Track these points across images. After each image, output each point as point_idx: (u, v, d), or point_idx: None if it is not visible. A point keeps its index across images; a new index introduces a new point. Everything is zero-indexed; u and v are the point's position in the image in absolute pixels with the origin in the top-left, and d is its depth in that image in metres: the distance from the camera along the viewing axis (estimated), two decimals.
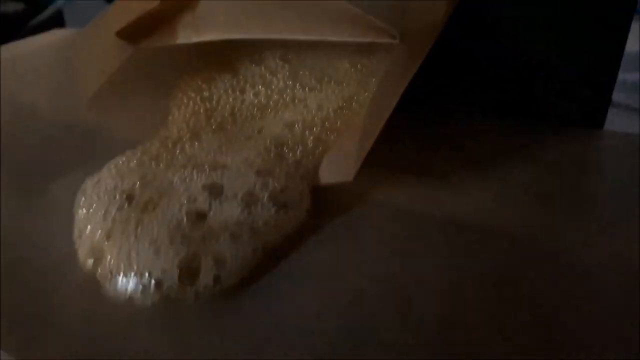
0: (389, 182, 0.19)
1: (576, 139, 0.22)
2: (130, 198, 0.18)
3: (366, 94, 0.19)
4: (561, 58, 0.21)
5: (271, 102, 0.20)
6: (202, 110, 0.21)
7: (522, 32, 0.21)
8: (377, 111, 0.17)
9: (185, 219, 0.17)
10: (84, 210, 0.18)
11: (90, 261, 0.17)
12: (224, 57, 0.21)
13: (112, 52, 0.20)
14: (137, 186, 0.18)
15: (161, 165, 0.19)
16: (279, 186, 0.18)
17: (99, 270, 0.16)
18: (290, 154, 0.18)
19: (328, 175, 0.18)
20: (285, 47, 0.20)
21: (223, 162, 0.18)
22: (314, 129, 0.19)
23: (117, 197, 0.17)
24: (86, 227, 0.17)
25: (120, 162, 0.19)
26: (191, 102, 0.21)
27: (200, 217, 0.17)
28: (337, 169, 0.18)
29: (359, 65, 0.20)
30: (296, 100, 0.20)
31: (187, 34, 0.18)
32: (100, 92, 0.20)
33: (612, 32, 0.20)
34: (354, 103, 0.19)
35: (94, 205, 0.18)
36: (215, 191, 0.18)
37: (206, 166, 0.18)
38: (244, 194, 0.17)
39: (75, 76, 0.21)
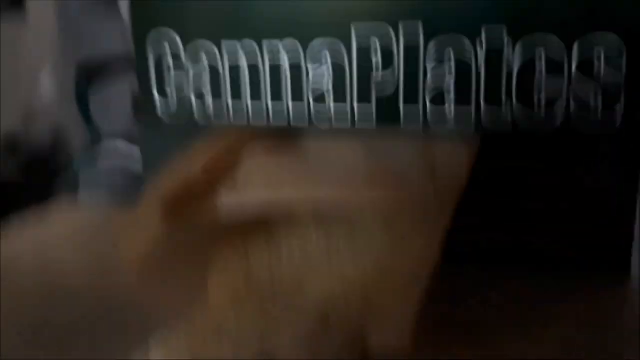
0: None
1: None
2: None
3: (400, 261, 0.19)
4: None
5: (308, 275, 0.20)
6: (241, 281, 0.21)
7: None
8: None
9: None
10: None
11: None
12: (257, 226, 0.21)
13: (156, 224, 0.20)
14: None
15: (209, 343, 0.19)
16: None
17: None
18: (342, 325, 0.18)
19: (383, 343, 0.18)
20: (317, 215, 0.20)
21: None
22: (354, 298, 0.19)
23: None
24: None
25: (167, 337, 0.19)
26: (231, 273, 0.21)
27: None
28: (392, 336, 0.18)
29: (390, 232, 0.19)
30: (332, 268, 0.20)
31: (229, 200, 0.19)
32: (141, 266, 0.21)
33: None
34: (389, 268, 0.19)
35: None
36: None
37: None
38: None
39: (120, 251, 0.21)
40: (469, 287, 0.22)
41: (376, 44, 0.23)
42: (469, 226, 0.22)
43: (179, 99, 0.28)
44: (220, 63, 0.26)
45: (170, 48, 0.27)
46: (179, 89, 0.28)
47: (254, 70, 0.26)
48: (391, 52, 0.23)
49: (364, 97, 0.24)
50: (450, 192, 0.19)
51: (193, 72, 0.27)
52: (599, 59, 0.20)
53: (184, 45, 0.27)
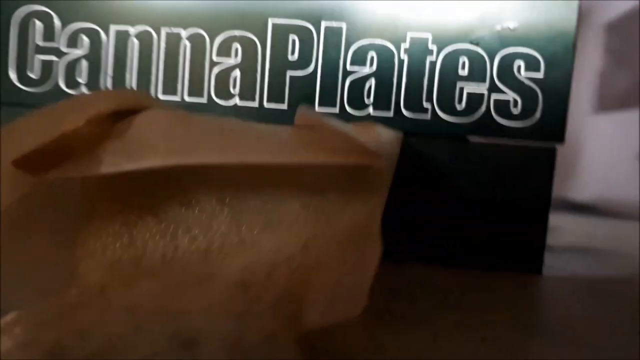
0: None
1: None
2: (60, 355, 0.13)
3: (328, 233, 0.17)
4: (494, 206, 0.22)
5: (214, 248, 0.17)
6: (125, 257, 0.17)
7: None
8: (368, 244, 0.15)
9: None
10: None
11: None
12: (145, 200, 0.19)
13: (7, 184, 0.16)
14: (66, 341, 0.14)
15: (92, 315, 0.15)
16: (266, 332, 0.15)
17: None
18: (265, 295, 0.16)
19: (323, 315, 0.15)
20: (222, 191, 0.18)
21: (180, 309, 0.15)
22: (279, 270, 0.16)
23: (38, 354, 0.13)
24: None
25: (32, 314, 0.15)
26: (109, 250, 0.18)
27: None
28: (333, 307, 0.15)
29: (311, 207, 0.18)
30: (246, 244, 0.17)
31: (116, 161, 0.15)
32: None
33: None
34: (317, 242, 0.17)
35: None
36: (187, 344, 0.14)
37: (160, 316, 0.14)
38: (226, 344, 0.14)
39: None
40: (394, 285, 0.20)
41: (295, 43, 0.22)
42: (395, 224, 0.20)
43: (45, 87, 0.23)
44: (104, 49, 0.23)
45: (45, 29, 0.23)
46: (46, 76, 0.23)
47: (145, 59, 0.23)
48: (310, 52, 0.22)
49: (277, 97, 0.22)
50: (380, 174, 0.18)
51: (69, 57, 0.23)
52: (518, 70, 0.21)
53: (62, 25, 0.23)
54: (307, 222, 0.18)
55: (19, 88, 0.23)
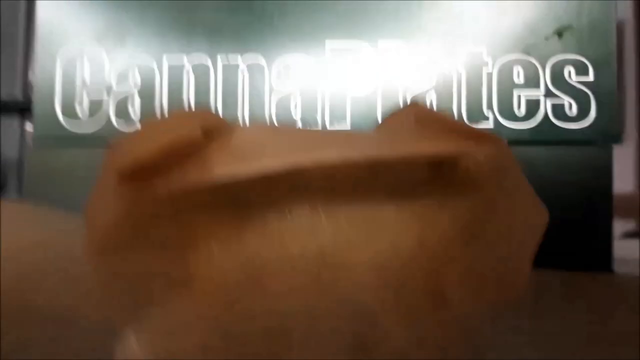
0: None
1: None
2: None
3: (438, 229, 0.17)
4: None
5: (327, 252, 0.17)
6: (237, 264, 0.17)
7: None
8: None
9: None
10: None
11: None
12: (245, 211, 0.19)
13: (116, 198, 0.16)
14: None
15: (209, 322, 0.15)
16: None
17: None
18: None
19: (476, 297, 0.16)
20: (313, 199, 0.18)
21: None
22: (409, 266, 0.17)
23: None
24: None
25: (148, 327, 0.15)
26: (220, 257, 0.18)
27: None
28: (484, 289, 0.16)
29: (406, 210, 0.18)
30: (359, 247, 0.17)
31: (228, 168, 0.15)
32: (103, 249, 0.16)
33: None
34: (430, 237, 0.17)
35: None
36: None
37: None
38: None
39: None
40: None
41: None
42: None
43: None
44: (158, 80, 0.22)
45: (91, 65, 0.22)
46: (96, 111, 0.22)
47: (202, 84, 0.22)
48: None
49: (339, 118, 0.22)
50: None
51: (119, 94, 0.22)
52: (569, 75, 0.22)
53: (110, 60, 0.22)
54: (412, 222, 0.18)
55: (65, 126, 0.22)
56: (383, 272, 0.16)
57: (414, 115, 0.17)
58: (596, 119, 0.22)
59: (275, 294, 0.16)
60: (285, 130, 0.17)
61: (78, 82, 0.22)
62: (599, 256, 0.22)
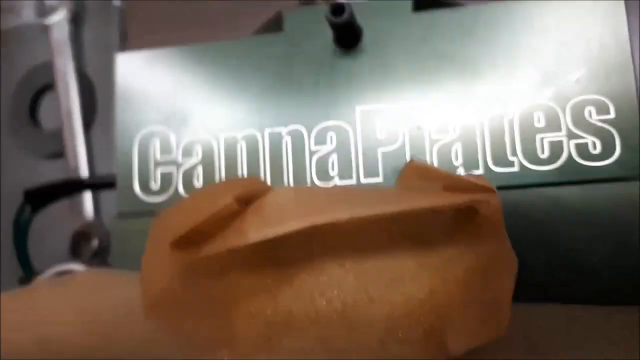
0: None
1: None
2: None
3: (450, 279, 0.19)
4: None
5: (348, 308, 0.20)
6: (274, 320, 0.20)
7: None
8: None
9: None
10: None
11: None
12: (279, 269, 0.22)
13: (167, 264, 0.20)
14: None
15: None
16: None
17: None
18: (414, 331, 0.18)
19: (469, 339, 0.17)
20: (342, 256, 0.21)
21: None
22: (414, 314, 0.19)
23: None
24: None
25: None
26: (258, 315, 0.21)
27: None
28: (477, 331, 0.17)
29: (425, 262, 0.21)
30: (376, 302, 0.20)
31: (259, 231, 0.19)
32: (158, 307, 0.20)
33: None
34: (442, 287, 0.20)
35: None
36: None
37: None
38: None
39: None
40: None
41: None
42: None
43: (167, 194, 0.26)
44: (216, 153, 0.26)
45: (161, 144, 0.27)
46: (166, 184, 0.26)
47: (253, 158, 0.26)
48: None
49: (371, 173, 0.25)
50: None
51: (185, 166, 0.26)
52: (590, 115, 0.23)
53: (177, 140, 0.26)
54: (424, 272, 0.20)
55: (142, 199, 0.26)
56: (391, 323, 0.18)
57: (416, 174, 0.19)
58: (621, 155, 0.23)
59: (298, 349, 0.18)
60: (308, 191, 0.20)
61: (151, 161, 0.27)
62: (631, 292, 0.22)
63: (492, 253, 0.18)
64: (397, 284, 0.19)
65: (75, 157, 0.40)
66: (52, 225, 0.37)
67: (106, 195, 0.37)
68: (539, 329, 0.20)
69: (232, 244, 0.18)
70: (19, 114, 0.44)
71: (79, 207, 0.39)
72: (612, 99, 0.23)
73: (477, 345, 0.17)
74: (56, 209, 0.37)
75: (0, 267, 0.37)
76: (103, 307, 0.21)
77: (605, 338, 0.21)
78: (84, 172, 0.39)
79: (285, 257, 0.21)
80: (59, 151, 0.41)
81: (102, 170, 0.39)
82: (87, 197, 0.38)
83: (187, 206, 0.20)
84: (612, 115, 0.23)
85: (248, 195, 0.20)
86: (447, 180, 0.18)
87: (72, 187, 0.35)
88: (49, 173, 0.40)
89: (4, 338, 0.21)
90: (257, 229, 0.18)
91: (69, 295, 0.22)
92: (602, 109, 0.23)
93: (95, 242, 0.37)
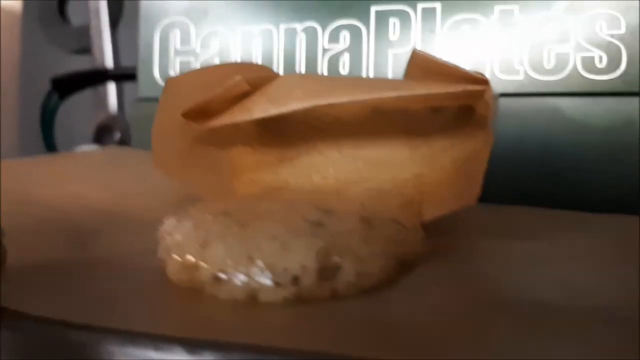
0: None
1: None
2: (227, 214, 0.16)
3: (435, 167, 0.21)
4: None
5: (341, 183, 0.21)
6: (273, 187, 0.22)
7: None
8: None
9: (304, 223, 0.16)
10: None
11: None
12: (282, 150, 0.23)
13: (180, 131, 0.21)
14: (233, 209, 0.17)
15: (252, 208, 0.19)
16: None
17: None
18: (394, 201, 0.19)
19: (441, 206, 0.19)
20: (340, 143, 0.22)
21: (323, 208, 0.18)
22: (397, 188, 0.20)
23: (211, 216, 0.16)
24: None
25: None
26: (260, 183, 0.22)
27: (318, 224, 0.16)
28: (449, 199, 0.19)
29: (417, 150, 0.22)
30: (365, 178, 0.21)
31: (264, 108, 0.20)
32: (168, 163, 0.21)
33: None
34: (426, 172, 0.21)
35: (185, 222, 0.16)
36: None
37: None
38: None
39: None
40: None
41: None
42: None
43: None
44: (233, 46, 0.27)
45: (181, 35, 0.28)
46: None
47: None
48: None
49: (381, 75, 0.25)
50: None
51: (202, 57, 0.27)
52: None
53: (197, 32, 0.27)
54: (415, 160, 0.21)
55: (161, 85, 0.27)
56: (375, 192, 0.19)
57: (420, 65, 0.20)
58: (625, 70, 0.23)
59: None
60: (314, 77, 0.21)
61: (171, 50, 0.28)
62: (621, 204, 0.23)
63: (478, 143, 0.19)
64: (388, 166, 0.21)
65: (102, 52, 0.41)
66: (78, 115, 0.39)
67: (129, 91, 0.39)
68: (517, 223, 0.21)
69: (237, 119, 0.20)
70: (48, 9, 0.46)
71: (103, 101, 0.40)
72: (625, 15, 0.23)
73: (448, 212, 0.18)
74: (82, 100, 0.39)
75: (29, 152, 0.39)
76: (120, 174, 0.23)
77: (580, 237, 0.22)
78: (109, 67, 0.41)
79: (288, 141, 0.22)
80: (86, 47, 0.42)
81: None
82: (112, 92, 0.40)
83: (199, 80, 0.21)
84: (622, 30, 0.23)
85: (258, 80, 0.21)
86: (446, 70, 0.19)
87: (98, 76, 0.36)
88: (76, 67, 0.42)
89: (33, 192, 0.23)
90: (261, 107, 0.19)
91: (90, 162, 0.24)
92: (613, 23, 0.23)
93: (117, 135, 0.39)
